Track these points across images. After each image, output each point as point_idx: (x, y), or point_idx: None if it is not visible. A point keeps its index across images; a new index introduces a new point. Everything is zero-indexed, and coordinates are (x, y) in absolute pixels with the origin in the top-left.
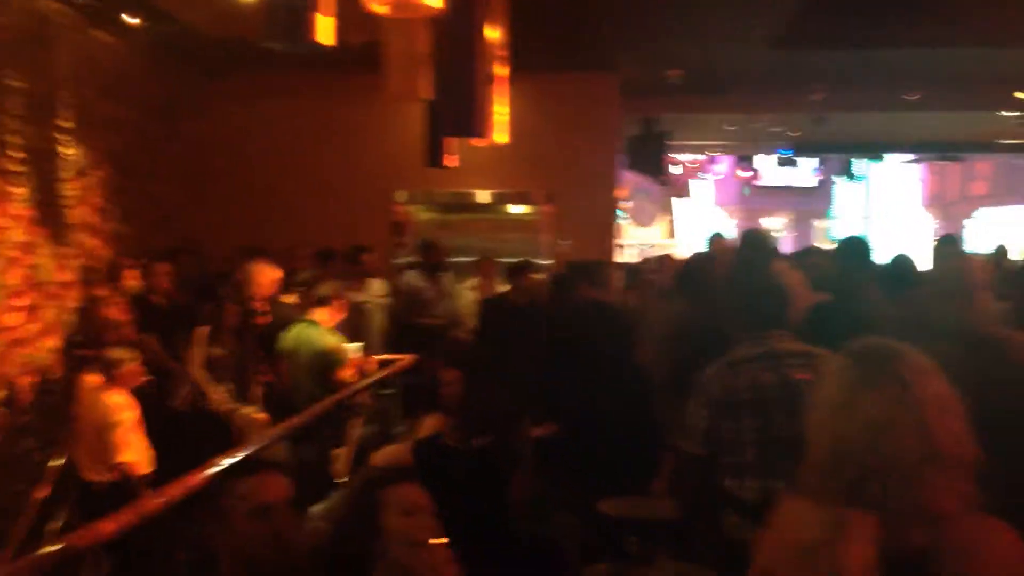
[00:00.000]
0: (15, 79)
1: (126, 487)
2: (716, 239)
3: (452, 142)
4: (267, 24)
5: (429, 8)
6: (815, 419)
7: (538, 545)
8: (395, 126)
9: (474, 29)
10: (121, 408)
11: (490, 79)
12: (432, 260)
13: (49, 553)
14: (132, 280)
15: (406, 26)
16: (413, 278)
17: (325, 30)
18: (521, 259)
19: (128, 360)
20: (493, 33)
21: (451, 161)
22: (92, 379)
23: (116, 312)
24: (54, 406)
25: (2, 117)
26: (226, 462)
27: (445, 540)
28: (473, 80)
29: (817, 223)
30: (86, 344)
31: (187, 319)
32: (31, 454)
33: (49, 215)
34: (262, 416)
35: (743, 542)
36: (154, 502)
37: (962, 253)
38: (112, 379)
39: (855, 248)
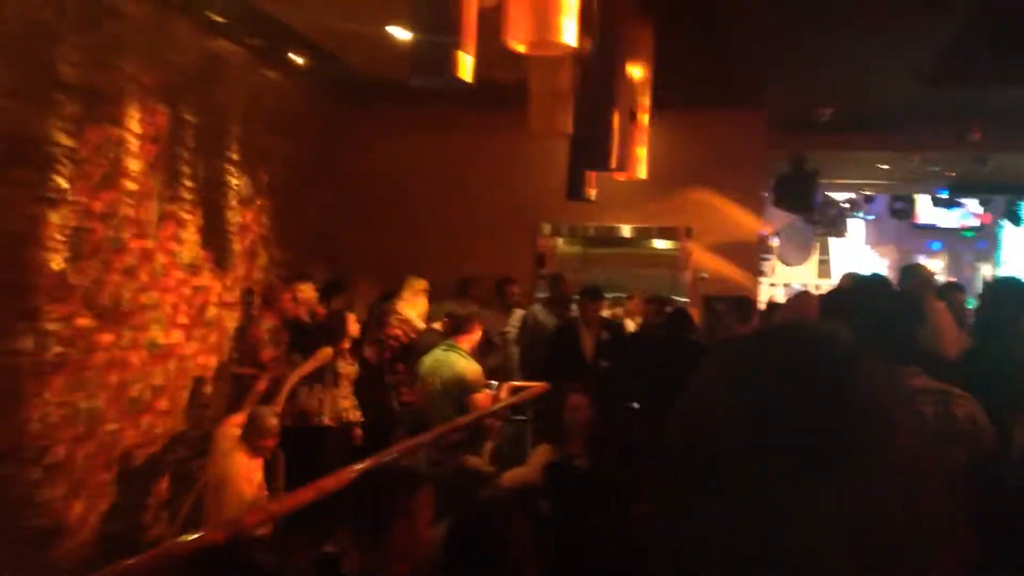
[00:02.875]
0: (189, 114)
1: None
2: (849, 276)
3: (593, 176)
4: (413, 61)
5: (566, 47)
6: None
7: None
8: (542, 160)
9: (616, 66)
10: (247, 475)
11: (632, 115)
12: (559, 294)
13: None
14: (287, 303)
15: (549, 63)
16: (539, 312)
17: (466, 67)
18: (658, 295)
19: (272, 427)
20: (636, 70)
21: (592, 194)
22: (231, 430)
23: (270, 332)
24: (209, 420)
25: (178, 149)
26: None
27: None
28: (612, 116)
29: (979, 267)
30: (242, 362)
31: (326, 336)
32: (187, 462)
33: (215, 241)
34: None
35: None
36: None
37: None
38: (250, 437)
39: (1011, 288)
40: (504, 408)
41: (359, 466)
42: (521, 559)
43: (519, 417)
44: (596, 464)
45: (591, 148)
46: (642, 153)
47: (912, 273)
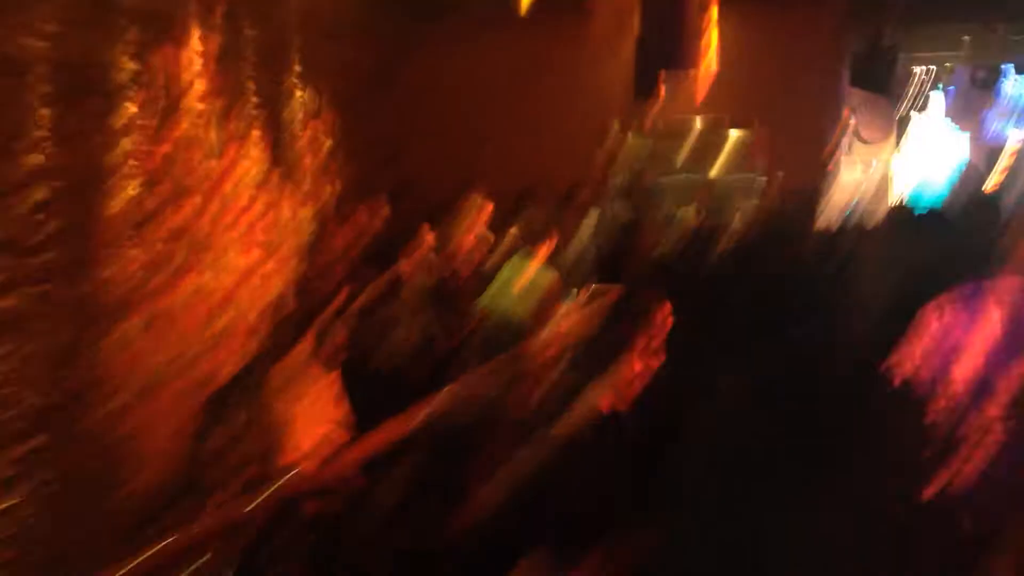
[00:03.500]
0: (248, 27)
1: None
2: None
3: (663, 73)
4: None
5: None
6: None
7: None
8: (607, 61)
9: None
10: (322, 397)
11: (702, 7)
12: (639, 189)
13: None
14: (359, 217)
15: None
16: (619, 209)
17: None
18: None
19: (343, 345)
20: None
21: (663, 92)
22: (299, 356)
23: (343, 247)
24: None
25: (240, 63)
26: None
27: None
28: (684, 13)
29: None
30: (317, 280)
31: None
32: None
33: (283, 156)
34: None
35: None
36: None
37: None
38: (320, 355)
39: None
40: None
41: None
42: None
43: None
44: None
45: (662, 47)
46: (712, 46)
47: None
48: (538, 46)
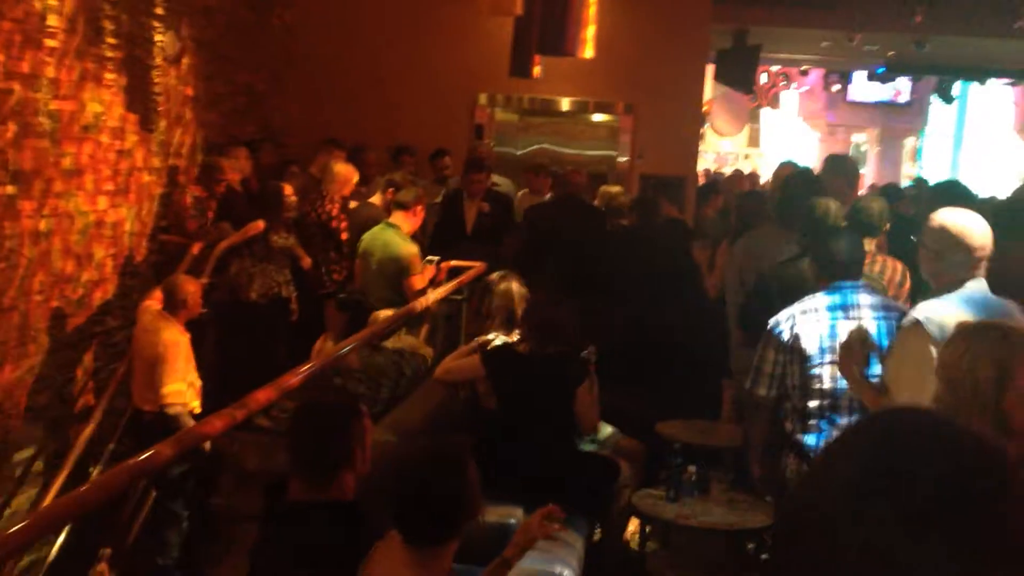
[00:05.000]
0: None
1: (169, 421)
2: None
3: (538, 57)
4: None
5: None
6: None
7: (595, 460)
8: (482, 31)
9: None
10: (175, 342)
11: None
12: (473, 162)
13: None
14: (218, 171)
15: None
16: (458, 183)
17: None
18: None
19: (191, 292)
20: None
21: (536, 73)
22: (151, 304)
23: (197, 201)
24: (136, 289)
25: (99, 2)
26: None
27: None
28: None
29: (906, 141)
30: (169, 231)
31: (260, 207)
32: (113, 333)
33: (140, 101)
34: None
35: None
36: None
37: None
38: (172, 308)
39: (951, 194)
40: (444, 294)
41: (305, 368)
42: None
43: (455, 297)
44: (537, 349)
45: (545, 31)
46: (590, 33)
47: (836, 166)
48: (418, 9)
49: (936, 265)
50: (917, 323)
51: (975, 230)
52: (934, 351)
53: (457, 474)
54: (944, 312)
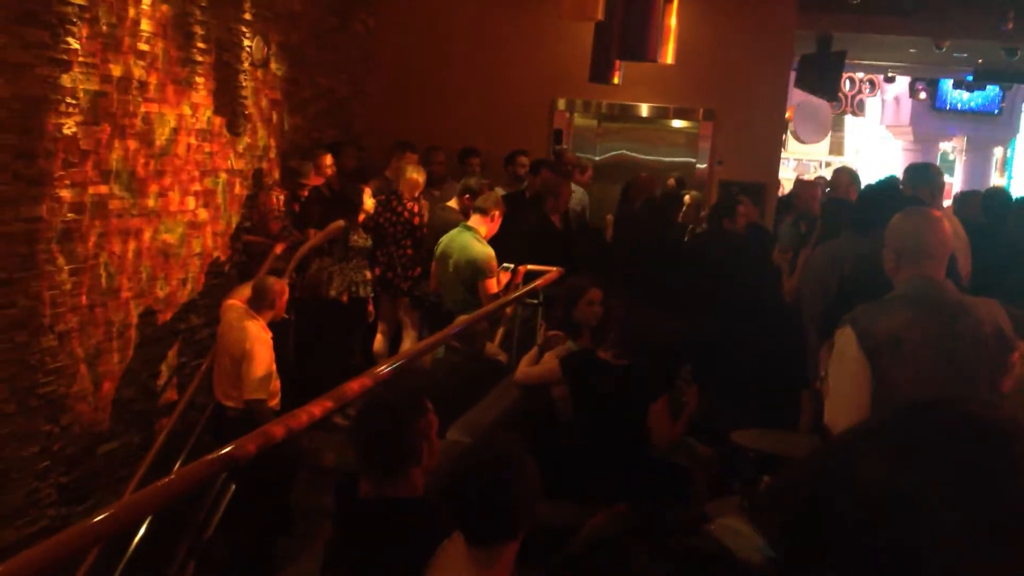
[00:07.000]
0: None
1: (253, 418)
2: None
3: (618, 60)
4: None
5: None
6: None
7: (669, 469)
8: (562, 35)
9: None
10: (261, 339)
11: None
12: (561, 169)
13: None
14: (303, 174)
15: None
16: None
17: None
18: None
19: (280, 294)
20: None
21: (616, 79)
22: (235, 303)
23: (281, 203)
24: (218, 288)
25: (189, 7)
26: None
27: None
28: (648, 6)
29: (995, 151)
30: (253, 231)
31: (341, 209)
32: (196, 330)
33: (227, 105)
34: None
35: None
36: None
37: None
38: (259, 307)
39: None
40: (518, 296)
41: (383, 368)
42: (527, 499)
43: (531, 301)
44: (620, 358)
45: (626, 36)
46: (671, 38)
47: (919, 175)
48: (497, 15)
49: (892, 265)
50: (844, 325)
51: (928, 230)
52: (860, 352)
53: (514, 472)
54: (877, 314)
